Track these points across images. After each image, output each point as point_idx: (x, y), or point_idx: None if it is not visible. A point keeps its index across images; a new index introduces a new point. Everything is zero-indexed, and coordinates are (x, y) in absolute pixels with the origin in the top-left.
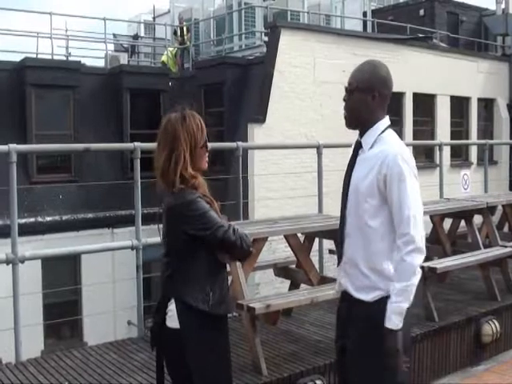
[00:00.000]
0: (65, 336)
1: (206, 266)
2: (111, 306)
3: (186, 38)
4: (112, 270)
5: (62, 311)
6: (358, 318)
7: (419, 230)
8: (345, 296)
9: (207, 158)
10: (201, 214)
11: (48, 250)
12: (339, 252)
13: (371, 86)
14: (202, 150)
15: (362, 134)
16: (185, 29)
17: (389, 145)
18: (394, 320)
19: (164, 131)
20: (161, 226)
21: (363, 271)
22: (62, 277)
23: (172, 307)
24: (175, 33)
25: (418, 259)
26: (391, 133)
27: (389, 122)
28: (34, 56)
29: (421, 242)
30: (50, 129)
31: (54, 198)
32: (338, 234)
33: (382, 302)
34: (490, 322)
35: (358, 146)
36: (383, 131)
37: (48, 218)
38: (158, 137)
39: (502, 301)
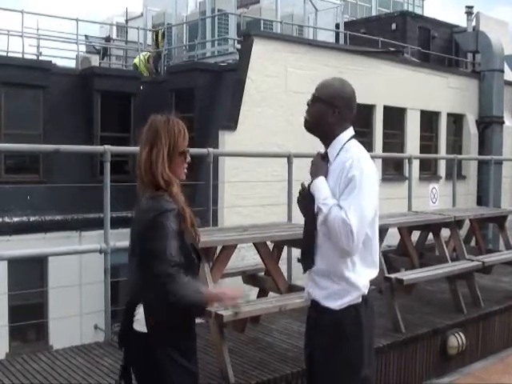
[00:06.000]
0: (30, 339)
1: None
2: (78, 309)
3: (160, 44)
4: (79, 273)
5: (28, 313)
6: (326, 326)
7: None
8: (313, 304)
9: (185, 170)
10: (159, 236)
11: (14, 251)
12: (306, 260)
13: (334, 102)
14: (180, 157)
15: (326, 145)
16: (160, 34)
17: (350, 154)
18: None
19: (147, 129)
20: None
21: (331, 278)
22: (28, 279)
23: (140, 310)
24: (156, 37)
25: (344, 232)
26: (354, 143)
27: (352, 133)
28: (5, 54)
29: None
30: (19, 128)
31: (21, 198)
32: (303, 243)
33: (349, 310)
34: (456, 335)
35: (325, 159)
36: (347, 141)
37: (15, 219)
38: (142, 135)
39: (468, 314)
